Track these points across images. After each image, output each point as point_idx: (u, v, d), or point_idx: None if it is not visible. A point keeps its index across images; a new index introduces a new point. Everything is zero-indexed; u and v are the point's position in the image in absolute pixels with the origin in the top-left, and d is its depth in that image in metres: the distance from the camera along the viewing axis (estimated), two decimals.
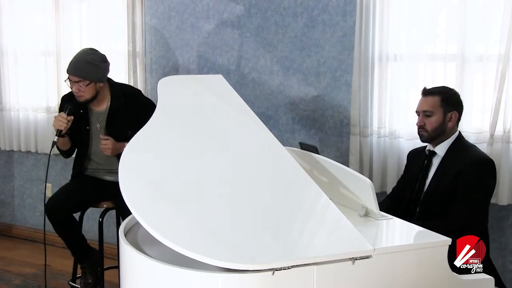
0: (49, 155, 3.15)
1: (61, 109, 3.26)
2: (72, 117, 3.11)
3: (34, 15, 4.42)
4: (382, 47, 3.25)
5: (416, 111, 2.75)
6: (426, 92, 2.73)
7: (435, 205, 2.60)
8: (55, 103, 4.37)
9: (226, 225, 1.98)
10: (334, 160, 2.54)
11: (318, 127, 3.57)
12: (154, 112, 2.59)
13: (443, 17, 3.20)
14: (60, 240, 3.26)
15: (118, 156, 3.15)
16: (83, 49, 3.28)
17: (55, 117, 3.13)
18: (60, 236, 3.22)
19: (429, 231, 2.12)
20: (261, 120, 2.61)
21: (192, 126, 2.56)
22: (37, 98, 4.47)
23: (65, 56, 4.26)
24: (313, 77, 3.55)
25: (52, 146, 3.13)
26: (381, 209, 2.30)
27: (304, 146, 2.71)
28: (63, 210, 3.12)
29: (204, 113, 2.66)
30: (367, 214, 2.29)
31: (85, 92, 3.12)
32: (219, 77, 3.00)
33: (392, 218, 2.28)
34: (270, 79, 3.69)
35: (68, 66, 3.14)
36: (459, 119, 2.71)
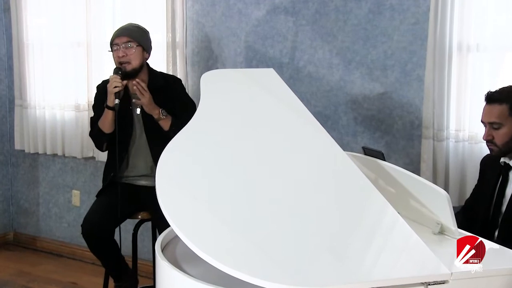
0: (116, 107, 3.17)
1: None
2: (125, 82, 3.22)
3: (62, 3, 4.51)
4: (462, 36, 3.20)
5: (482, 121, 2.68)
6: (490, 99, 2.63)
7: None
8: (85, 100, 4.46)
9: (278, 241, 1.98)
10: (403, 167, 2.53)
11: (385, 129, 3.54)
12: (196, 110, 2.63)
13: None
14: (90, 255, 3.33)
15: (155, 160, 3.22)
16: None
17: (110, 81, 3.20)
18: (98, 258, 3.28)
19: None
20: (318, 121, 2.61)
21: (239, 126, 2.58)
22: (65, 95, 4.56)
23: (96, 47, 4.35)
24: (379, 71, 3.53)
25: (116, 109, 3.18)
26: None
27: (368, 151, 2.70)
28: (103, 232, 3.19)
29: (253, 112, 2.68)
30: (442, 231, 2.27)
31: (132, 56, 3.24)
32: (270, 71, 3.03)
33: None
34: (328, 74, 3.68)
35: (114, 33, 3.30)
36: None
